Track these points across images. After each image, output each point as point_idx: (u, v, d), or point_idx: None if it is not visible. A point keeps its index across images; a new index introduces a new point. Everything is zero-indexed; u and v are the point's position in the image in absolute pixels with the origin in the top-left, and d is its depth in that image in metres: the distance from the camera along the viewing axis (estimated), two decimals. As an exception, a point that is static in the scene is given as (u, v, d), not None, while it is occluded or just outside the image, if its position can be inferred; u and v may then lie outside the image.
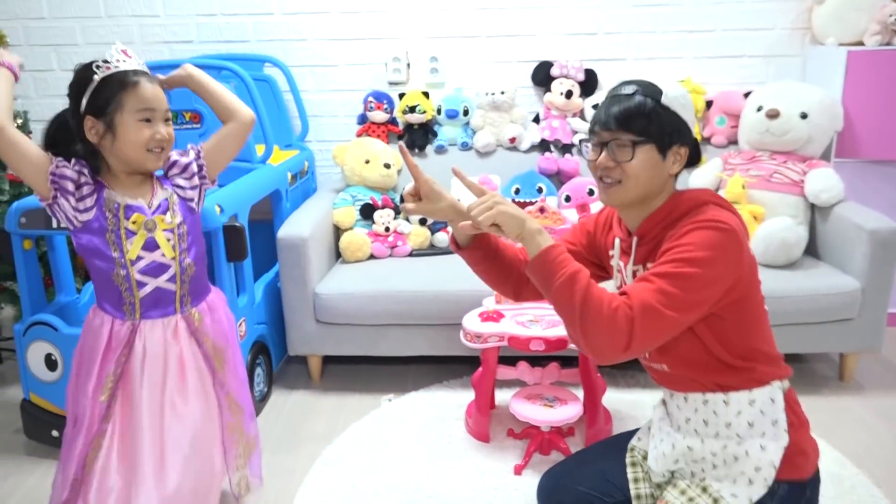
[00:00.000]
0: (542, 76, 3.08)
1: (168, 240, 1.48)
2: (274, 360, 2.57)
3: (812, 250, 2.70)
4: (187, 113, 2.53)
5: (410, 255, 2.80)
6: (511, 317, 2.17)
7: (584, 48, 3.11)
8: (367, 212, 2.79)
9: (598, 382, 2.15)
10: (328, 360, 2.70)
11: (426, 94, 3.08)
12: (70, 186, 1.40)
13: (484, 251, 1.50)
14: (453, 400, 2.44)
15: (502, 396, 2.40)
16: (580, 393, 2.18)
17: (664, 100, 1.32)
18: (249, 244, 2.28)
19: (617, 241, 1.47)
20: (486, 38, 3.13)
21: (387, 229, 2.77)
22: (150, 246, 1.46)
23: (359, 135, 3.10)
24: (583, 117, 3.09)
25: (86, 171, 1.43)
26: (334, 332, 2.50)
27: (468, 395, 2.35)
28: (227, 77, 2.58)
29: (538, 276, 1.28)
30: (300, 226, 2.49)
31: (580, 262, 1.50)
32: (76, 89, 1.41)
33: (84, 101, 1.39)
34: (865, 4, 2.80)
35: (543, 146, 3.03)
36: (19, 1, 3.13)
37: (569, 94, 3.01)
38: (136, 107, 1.39)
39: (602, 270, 1.57)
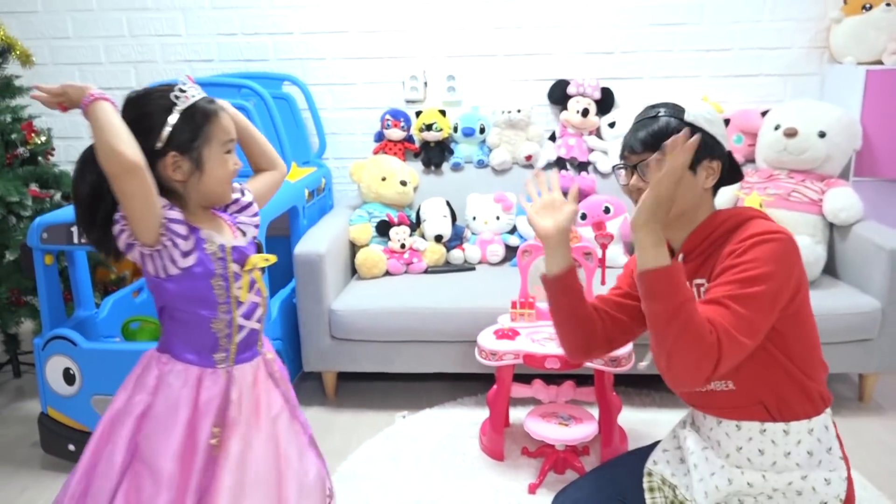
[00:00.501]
0: (559, 94, 3.09)
1: (261, 278, 1.40)
2: (290, 376, 2.57)
3: (831, 270, 2.67)
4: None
5: (426, 272, 2.80)
6: (526, 334, 2.17)
7: (601, 67, 3.12)
8: (384, 229, 2.80)
9: (614, 401, 2.14)
10: (343, 377, 2.71)
11: (443, 112, 3.10)
12: (183, 231, 1.25)
13: (570, 287, 1.48)
14: (468, 417, 2.43)
15: (517, 414, 2.39)
16: (595, 412, 2.17)
17: (688, 117, 1.36)
18: (266, 260, 2.31)
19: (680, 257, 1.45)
20: (503, 57, 3.15)
21: (402, 246, 2.78)
22: (250, 287, 1.37)
23: (376, 152, 3.12)
24: (599, 135, 3.10)
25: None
26: (349, 348, 2.51)
27: (483, 413, 2.35)
28: (246, 95, 2.63)
29: (652, 287, 1.23)
30: (317, 242, 2.50)
31: (626, 308, 1.55)
32: (147, 123, 1.24)
33: (164, 136, 1.24)
34: (884, 23, 2.79)
35: (560, 164, 3.03)
36: (45, 21, 3.20)
37: (585, 113, 3.02)
38: (223, 138, 1.29)
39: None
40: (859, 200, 2.62)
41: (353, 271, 2.80)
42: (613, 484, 1.55)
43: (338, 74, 3.18)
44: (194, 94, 1.27)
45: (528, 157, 3.05)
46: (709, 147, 1.36)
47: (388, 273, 2.77)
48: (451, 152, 3.12)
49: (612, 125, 3.03)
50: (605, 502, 1.51)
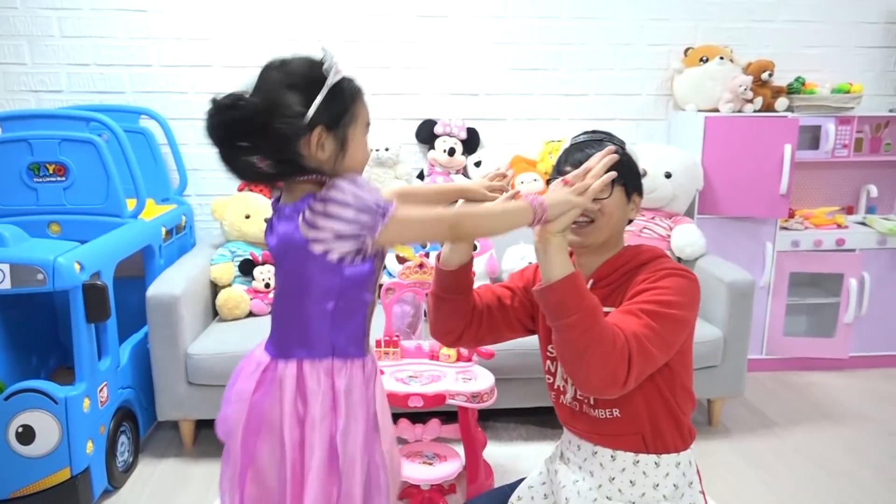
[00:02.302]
0: (426, 134, 3.15)
1: None
2: (141, 427, 2.41)
3: (680, 301, 2.84)
4: (51, 165, 2.39)
5: None
6: (390, 373, 2.15)
7: (467, 107, 3.21)
8: (247, 268, 2.71)
9: (479, 437, 2.15)
10: (202, 425, 2.56)
11: (310, 150, 3.06)
12: None
13: (462, 280, 1.46)
14: (334, 461, 2.36)
15: (385, 455, 2.34)
16: (461, 448, 2.17)
17: (628, 149, 1.44)
18: (115, 302, 2.17)
19: None
20: (371, 96, 3.14)
21: (267, 285, 2.69)
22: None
23: (240, 189, 3.03)
24: (466, 174, 3.17)
25: None
26: (208, 394, 2.38)
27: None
28: (96, 129, 2.48)
29: (559, 299, 1.22)
30: (172, 283, 2.38)
31: (506, 310, 1.53)
32: (295, 93, 1.13)
33: (313, 109, 1.13)
34: (719, 75, 3.05)
35: (428, 202, 3.07)
36: None
37: (451, 152, 3.09)
38: (367, 119, 1.23)
39: (531, 322, 1.56)
40: (702, 236, 2.82)
41: (215, 313, 2.68)
42: None
43: (200, 109, 3.03)
44: (341, 70, 1.18)
45: (397, 195, 3.06)
46: (639, 182, 1.44)
47: (251, 314, 2.67)
48: (320, 190, 3.08)
49: (478, 164, 3.11)
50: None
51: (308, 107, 1.13)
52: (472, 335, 1.52)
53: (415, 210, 1.22)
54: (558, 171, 1.43)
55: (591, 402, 1.40)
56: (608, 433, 1.40)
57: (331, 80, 1.15)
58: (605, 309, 1.36)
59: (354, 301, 1.22)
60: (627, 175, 1.39)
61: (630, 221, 1.46)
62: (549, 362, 1.50)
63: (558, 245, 1.24)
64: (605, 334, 1.20)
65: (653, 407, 1.37)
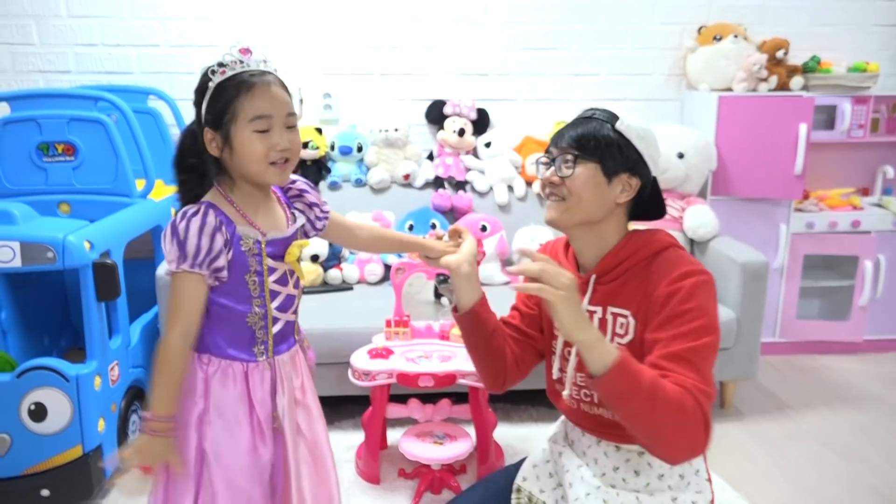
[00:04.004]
0: (436, 114, 3.12)
1: (299, 267, 1.37)
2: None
3: (692, 283, 2.81)
4: (60, 145, 2.39)
5: (302, 292, 2.71)
6: (401, 353, 2.14)
7: (477, 88, 3.18)
8: (257, 249, 2.70)
9: (490, 418, 2.14)
10: (213, 405, 2.56)
11: (319, 130, 3.05)
12: (218, 241, 1.23)
13: (483, 319, 1.43)
14: (344, 441, 2.36)
15: (396, 436, 2.34)
16: (472, 429, 2.16)
17: (619, 125, 1.31)
18: (126, 283, 2.16)
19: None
20: (380, 76, 3.14)
21: (277, 266, 2.68)
22: (285, 279, 1.34)
23: (249, 170, 3.01)
24: (476, 155, 3.14)
25: (217, 218, 1.23)
26: (218, 374, 2.38)
27: (360, 436, 2.29)
28: (104, 108, 2.47)
29: (613, 391, 1.15)
30: (182, 263, 2.37)
31: (529, 331, 1.51)
32: (197, 97, 1.26)
33: (203, 111, 1.24)
34: (733, 53, 3.01)
35: (437, 183, 3.05)
36: None
37: (461, 133, 3.06)
38: (250, 115, 1.22)
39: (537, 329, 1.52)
40: (715, 217, 2.79)
41: (225, 294, 2.67)
42: (482, 502, 1.53)
43: (209, 90, 3.05)
44: (236, 67, 1.24)
45: (406, 176, 3.04)
46: (630, 162, 1.31)
47: (261, 295, 2.66)
48: (329, 171, 3.07)
49: (487, 145, 3.09)
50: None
51: (200, 111, 1.26)
52: (512, 373, 1.49)
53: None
54: (546, 150, 1.39)
55: (595, 399, 1.35)
56: (614, 431, 1.35)
57: (214, 82, 1.23)
58: (614, 309, 1.31)
59: (227, 309, 1.29)
60: (608, 153, 1.30)
61: (636, 215, 1.38)
62: (553, 358, 1.45)
63: (586, 343, 1.15)
64: (671, 407, 1.13)
65: None
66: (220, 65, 1.24)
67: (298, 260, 1.36)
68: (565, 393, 1.39)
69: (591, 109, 1.37)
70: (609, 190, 1.31)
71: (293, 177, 1.41)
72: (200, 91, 1.26)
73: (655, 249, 1.31)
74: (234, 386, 1.29)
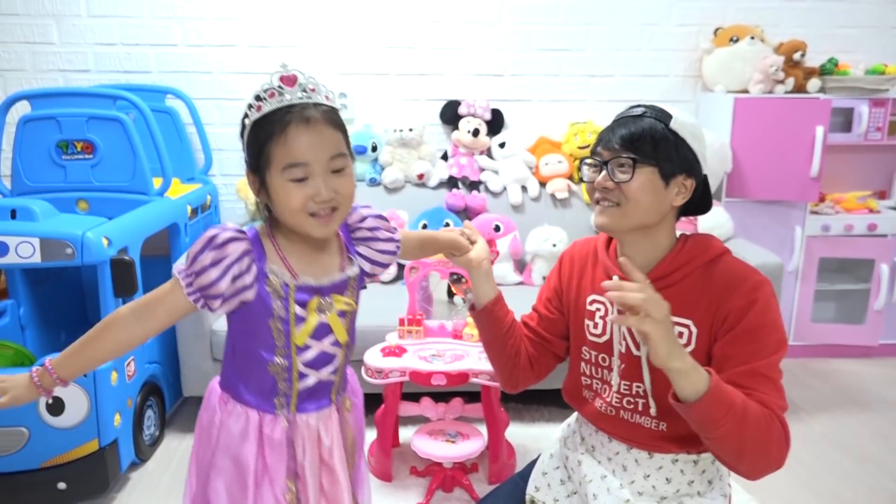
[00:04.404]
0: (450, 114, 3.13)
1: (342, 324, 1.19)
2: (167, 402, 2.45)
3: (706, 285, 2.80)
4: (79, 143, 2.42)
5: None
6: (413, 352, 2.15)
7: (491, 88, 3.19)
8: (271, 247, 2.71)
9: (502, 417, 2.15)
10: (227, 401, 2.59)
11: (334, 130, 3.06)
12: (239, 266, 1.10)
13: (499, 316, 1.45)
14: (357, 439, 2.37)
15: (408, 434, 2.35)
16: (484, 428, 2.17)
17: (673, 124, 1.24)
18: (143, 280, 2.19)
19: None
20: (396, 76, 3.16)
21: (291, 265, 2.70)
22: (321, 333, 1.17)
23: (265, 169, 3.04)
24: (490, 155, 3.15)
25: (244, 249, 1.11)
26: (233, 370, 2.40)
27: (372, 434, 2.30)
28: (123, 107, 2.50)
29: (704, 416, 1.12)
30: (198, 260, 2.39)
31: (546, 334, 1.48)
32: (241, 132, 1.13)
33: (244, 150, 1.11)
34: (749, 55, 3.00)
35: (451, 183, 3.06)
36: None
37: (476, 133, 3.06)
38: (283, 162, 1.06)
39: (562, 336, 1.48)
40: (730, 219, 2.78)
41: (239, 291, 2.69)
42: None
43: (225, 89, 3.08)
44: (271, 102, 1.07)
45: (421, 176, 3.06)
46: (687, 162, 1.25)
47: (275, 292, 2.68)
48: (343, 170, 3.09)
49: (502, 145, 3.09)
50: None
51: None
52: (527, 374, 1.49)
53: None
54: (593, 151, 1.33)
55: (640, 407, 1.30)
56: (648, 440, 1.31)
57: (250, 119, 1.09)
58: (673, 318, 1.19)
59: (250, 353, 1.16)
60: (665, 155, 1.22)
61: (679, 213, 1.31)
62: (583, 364, 1.41)
63: (680, 371, 1.11)
64: (759, 427, 1.13)
65: None
66: (258, 98, 1.08)
67: (342, 315, 1.19)
68: (605, 401, 1.35)
69: (639, 106, 1.29)
70: (666, 193, 1.25)
71: (364, 211, 1.25)
72: (242, 127, 1.12)
73: (712, 256, 1.27)
74: (245, 441, 1.17)
